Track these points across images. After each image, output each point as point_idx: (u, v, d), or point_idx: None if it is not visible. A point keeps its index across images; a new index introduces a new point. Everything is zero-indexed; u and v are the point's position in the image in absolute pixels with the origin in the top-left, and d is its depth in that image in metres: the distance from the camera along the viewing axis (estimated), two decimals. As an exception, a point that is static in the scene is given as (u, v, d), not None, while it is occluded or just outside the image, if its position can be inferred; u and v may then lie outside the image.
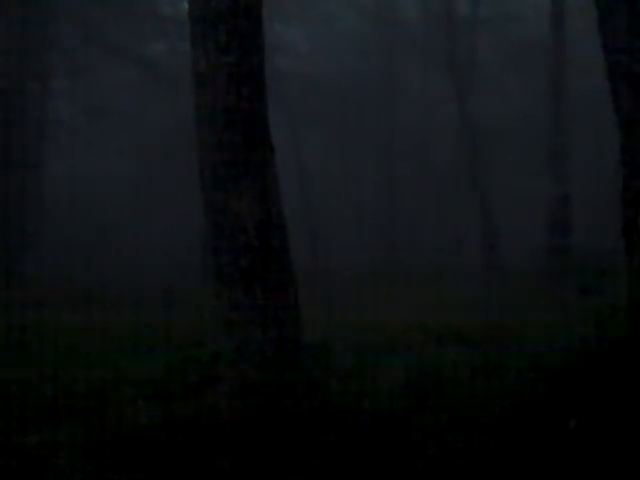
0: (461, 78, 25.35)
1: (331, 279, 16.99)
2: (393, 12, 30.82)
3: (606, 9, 7.02)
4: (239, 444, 5.33)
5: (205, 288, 9.06)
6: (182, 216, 27.12)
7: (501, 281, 15.98)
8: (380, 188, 33.71)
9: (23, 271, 18.70)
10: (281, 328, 6.32)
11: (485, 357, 7.91)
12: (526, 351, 7.97)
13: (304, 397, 6.05)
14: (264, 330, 6.27)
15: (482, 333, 9.33)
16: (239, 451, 5.26)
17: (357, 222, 34.83)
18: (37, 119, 21.94)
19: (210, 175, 6.51)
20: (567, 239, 18.85)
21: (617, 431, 5.42)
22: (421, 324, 10.26)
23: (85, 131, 29.18)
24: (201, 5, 6.43)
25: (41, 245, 21.52)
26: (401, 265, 24.54)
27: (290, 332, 6.40)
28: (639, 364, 5.94)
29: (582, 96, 24.03)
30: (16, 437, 5.67)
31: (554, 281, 14.58)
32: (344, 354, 8.02)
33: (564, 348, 7.37)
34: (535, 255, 20.21)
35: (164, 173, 31.41)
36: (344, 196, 34.82)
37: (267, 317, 6.29)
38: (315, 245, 28.62)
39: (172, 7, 27.88)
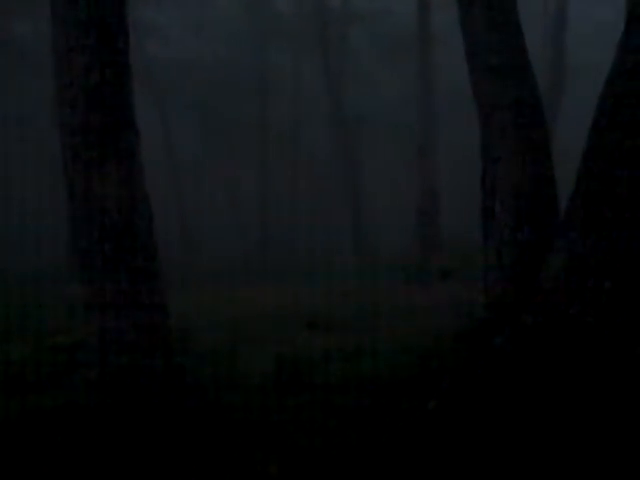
0: (333, 68, 25.60)
1: (201, 266, 16.88)
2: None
3: (465, 2, 7.24)
4: (95, 436, 5.22)
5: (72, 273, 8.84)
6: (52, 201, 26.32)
7: (371, 270, 16.29)
8: (255, 175, 33.62)
9: None
10: (146, 313, 6.22)
11: (354, 342, 8.06)
12: (393, 336, 8.17)
13: (170, 383, 6.00)
14: (129, 315, 6.15)
15: (357, 320, 9.50)
16: (94, 443, 5.14)
17: (231, 211, 34.67)
18: None
19: (72, 158, 6.33)
20: (434, 229, 19.46)
21: (476, 411, 5.63)
22: (298, 313, 10.34)
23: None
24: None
25: None
26: (274, 256, 24.63)
27: (156, 318, 6.31)
28: (493, 344, 6.17)
29: (451, 90, 24.73)
30: None
31: (421, 269, 15.03)
32: (213, 340, 8.00)
33: (426, 332, 7.62)
34: (405, 245, 20.72)
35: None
36: (218, 183, 34.56)
37: (132, 302, 6.18)
38: (185, 233, 28.31)
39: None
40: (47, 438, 5.23)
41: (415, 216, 20.32)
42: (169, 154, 29.28)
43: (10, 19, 27.17)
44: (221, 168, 34.93)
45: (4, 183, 31.00)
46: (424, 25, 20.62)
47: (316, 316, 9.85)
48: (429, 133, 20.37)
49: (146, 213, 6.40)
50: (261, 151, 32.75)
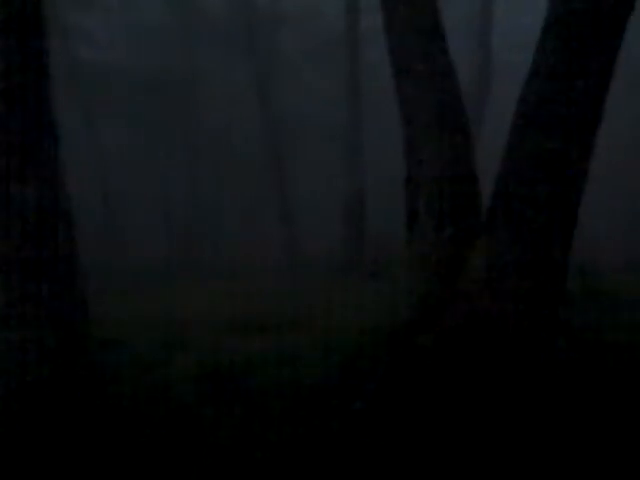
0: (263, 71, 25.57)
1: (127, 272, 16.66)
2: (195, 2, 30.64)
3: (389, 5, 7.30)
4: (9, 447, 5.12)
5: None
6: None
7: (301, 272, 16.32)
8: (185, 178, 33.34)
9: None
10: (67, 322, 6.11)
11: (284, 345, 8.04)
12: (324, 337, 8.19)
13: (91, 393, 5.91)
14: (49, 324, 6.04)
15: (282, 321, 9.48)
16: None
17: (162, 214, 34.27)
18: None
19: (-9, 162, 6.18)
20: (362, 230, 19.62)
21: (401, 411, 5.69)
22: (220, 315, 10.28)
23: None
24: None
25: None
26: (203, 259, 24.48)
27: (77, 326, 6.20)
28: (417, 344, 6.24)
29: (380, 90, 24.87)
30: None
31: (349, 269, 15.12)
32: (138, 348, 7.89)
33: (353, 332, 7.65)
34: (334, 246, 20.82)
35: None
36: (149, 187, 34.16)
37: (52, 310, 6.06)
38: (113, 237, 27.91)
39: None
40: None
41: (343, 215, 20.48)
42: (97, 156, 28.86)
43: None
44: (152, 169, 34.53)
45: None
46: (353, 26, 20.76)
47: (244, 318, 9.82)
48: (357, 133, 20.52)
49: (67, 218, 6.29)
50: (192, 152, 32.53)
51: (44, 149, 6.24)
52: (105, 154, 29.44)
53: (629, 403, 5.83)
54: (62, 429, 5.35)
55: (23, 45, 6.14)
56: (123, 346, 7.76)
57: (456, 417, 5.48)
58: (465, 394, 5.66)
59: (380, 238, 17.21)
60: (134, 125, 33.06)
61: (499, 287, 6.01)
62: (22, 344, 6.02)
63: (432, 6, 7.34)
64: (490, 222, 6.34)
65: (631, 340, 7.22)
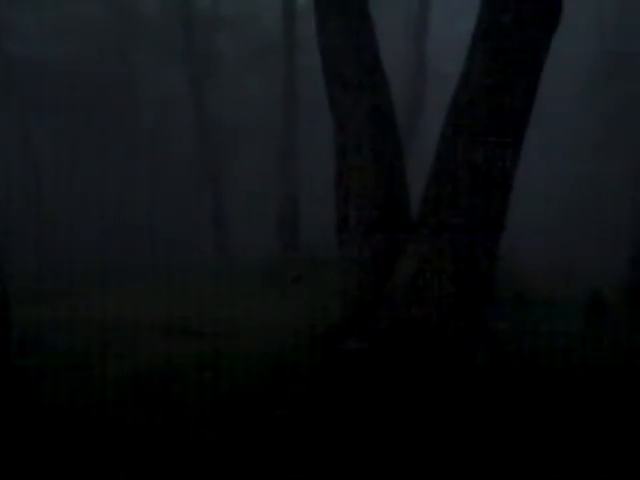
0: (198, 72, 25.41)
1: (59, 273, 16.37)
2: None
3: (321, 14, 7.35)
4: None
5: None
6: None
7: (230, 274, 16.24)
8: (120, 178, 32.84)
9: None
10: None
11: (207, 349, 7.97)
12: (246, 341, 8.16)
13: (13, 397, 5.81)
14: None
15: (205, 325, 9.41)
16: None
17: (95, 214, 33.71)
18: None
19: None
20: (294, 234, 19.68)
21: (325, 415, 5.72)
22: (146, 317, 10.14)
23: None
24: None
25: None
26: (134, 261, 24.18)
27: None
28: (345, 349, 6.29)
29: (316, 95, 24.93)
30: None
31: (280, 273, 15.16)
32: (63, 351, 7.76)
33: (281, 337, 7.63)
34: (266, 250, 20.81)
35: None
36: (82, 187, 33.56)
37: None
38: (44, 239, 27.40)
39: None
40: None
41: (275, 220, 20.51)
42: (28, 156, 28.32)
43: None
44: (86, 168, 33.98)
45: None
46: (289, 31, 20.83)
47: (169, 321, 9.69)
48: (291, 138, 20.58)
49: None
50: (127, 151, 32.11)
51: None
52: (36, 153, 28.89)
53: (538, 405, 5.97)
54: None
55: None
56: (45, 349, 7.61)
57: (377, 421, 5.54)
58: (387, 398, 5.72)
59: (312, 242, 17.27)
60: (67, 124, 32.51)
61: (425, 293, 6.11)
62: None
63: (363, 13, 7.40)
64: (418, 228, 6.44)
65: (550, 346, 7.37)
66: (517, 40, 6.35)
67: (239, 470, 4.99)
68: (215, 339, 8.67)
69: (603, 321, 11.34)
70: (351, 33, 7.28)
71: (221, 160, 26.07)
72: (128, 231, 30.28)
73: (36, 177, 28.40)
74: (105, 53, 29.97)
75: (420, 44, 22.53)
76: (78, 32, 29.88)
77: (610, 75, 29.20)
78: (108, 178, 32.13)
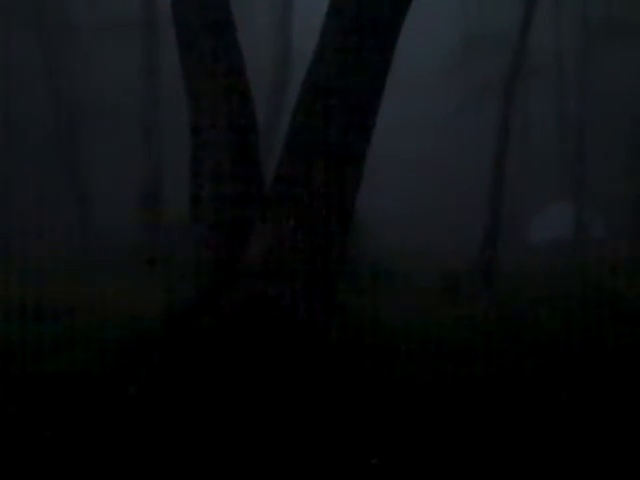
0: (53, 47, 24.40)
1: None
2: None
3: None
4: None
5: None
6: None
7: (89, 256, 15.89)
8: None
9: None
10: None
11: (60, 330, 7.76)
12: (100, 322, 7.99)
13: None
14: None
15: (59, 306, 9.15)
16: None
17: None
18: None
19: None
20: (157, 214, 19.34)
21: (178, 393, 5.65)
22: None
23: None
24: None
25: None
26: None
27: None
28: (198, 327, 6.21)
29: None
30: None
31: (137, 254, 14.93)
32: None
33: (136, 318, 7.52)
34: (132, 230, 20.41)
35: None
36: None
37: None
38: None
39: None
40: None
41: (138, 199, 20.08)
42: None
43: None
44: None
45: None
46: (149, 7, 20.33)
47: (21, 301, 9.36)
48: (153, 115, 20.16)
49: None
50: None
51: None
52: None
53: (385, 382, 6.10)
54: None
55: None
56: None
57: (228, 400, 5.51)
58: (240, 377, 5.69)
59: (177, 221, 17.00)
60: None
61: (276, 270, 6.08)
62: None
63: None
64: (269, 207, 6.40)
65: (406, 324, 7.58)
66: (370, 18, 6.37)
67: (89, 449, 4.86)
68: (66, 319, 8.43)
69: (456, 298, 11.76)
70: (207, 10, 7.13)
71: (83, 139, 25.21)
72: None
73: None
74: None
75: (285, 23, 22.44)
76: None
77: (469, 58, 30.04)
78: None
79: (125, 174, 25.43)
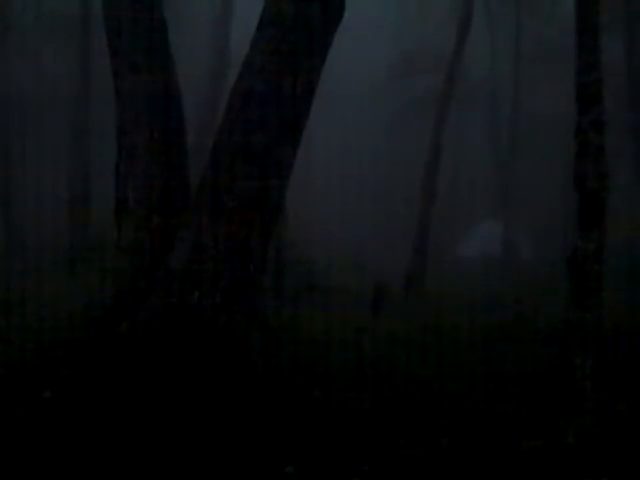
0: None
1: None
2: None
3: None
4: None
5: None
6: None
7: (14, 257, 15.53)
8: None
9: None
10: None
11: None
12: (19, 323, 7.81)
13: None
14: None
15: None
16: None
17: None
18: None
19: None
20: (87, 215, 19.04)
21: (95, 396, 5.58)
22: None
23: None
24: None
25: None
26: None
27: None
28: (119, 331, 6.16)
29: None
30: None
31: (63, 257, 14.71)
32: None
33: (57, 321, 7.39)
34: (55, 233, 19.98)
35: None
36: None
37: None
38: None
39: None
40: None
41: (65, 199, 19.72)
42: None
43: None
44: None
45: None
46: (85, 4, 20.04)
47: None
48: (83, 115, 19.83)
49: None
50: None
51: None
52: None
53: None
54: None
55: None
56: None
57: (142, 403, 5.47)
58: (154, 383, 5.66)
59: (100, 224, 16.73)
60: None
61: (198, 277, 6.07)
62: None
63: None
64: (196, 211, 6.39)
65: (327, 335, 7.52)
66: (301, 29, 6.42)
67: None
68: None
69: (382, 310, 11.82)
70: (136, 9, 7.07)
71: (14, 137, 24.56)
72: None
73: None
74: None
75: (223, 24, 22.37)
76: None
77: (402, 74, 30.29)
78: None
79: (52, 174, 24.89)
